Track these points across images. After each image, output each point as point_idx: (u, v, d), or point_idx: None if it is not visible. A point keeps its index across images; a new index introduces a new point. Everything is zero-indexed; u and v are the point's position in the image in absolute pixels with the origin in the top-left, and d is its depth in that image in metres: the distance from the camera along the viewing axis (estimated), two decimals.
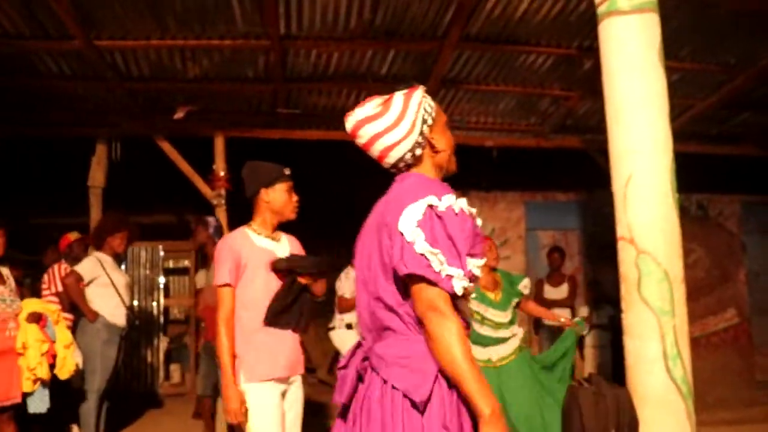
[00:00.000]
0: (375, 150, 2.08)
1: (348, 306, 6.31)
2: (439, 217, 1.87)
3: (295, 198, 3.40)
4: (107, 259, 5.74)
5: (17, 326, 5.00)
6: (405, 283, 1.90)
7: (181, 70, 6.06)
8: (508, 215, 8.68)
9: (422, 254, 1.83)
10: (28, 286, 5.97)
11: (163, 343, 9.53)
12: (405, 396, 1.85)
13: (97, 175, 7.14)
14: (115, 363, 5.73)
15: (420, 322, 1.89)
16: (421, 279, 1.83)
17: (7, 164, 7.46)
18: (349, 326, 6.38)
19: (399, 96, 2.09)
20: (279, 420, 3.13)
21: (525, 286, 5.19)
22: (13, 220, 5.41)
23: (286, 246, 3.41)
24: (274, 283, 3.25)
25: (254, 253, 3.25)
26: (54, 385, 5.24)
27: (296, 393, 3.32)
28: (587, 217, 9.17)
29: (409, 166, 2.09)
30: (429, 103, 2.11)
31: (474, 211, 2.00)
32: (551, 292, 7.62)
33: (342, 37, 5.59)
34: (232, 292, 3.19)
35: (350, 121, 2.12)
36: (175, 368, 9.53)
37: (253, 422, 3.07)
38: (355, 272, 2.13)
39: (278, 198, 3.33)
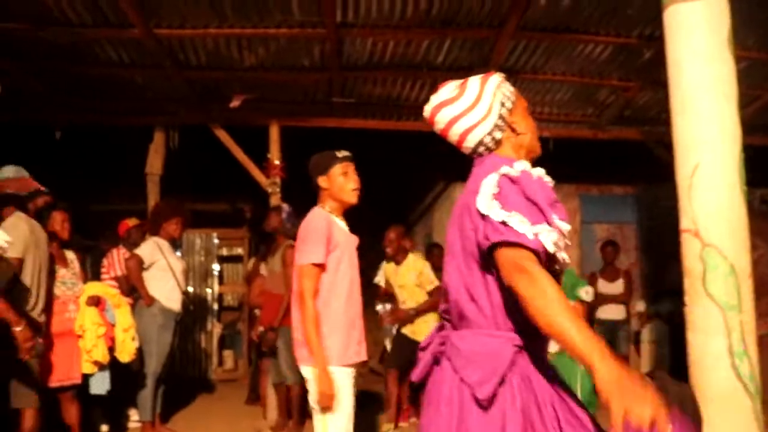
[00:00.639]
0: (453, 134, 2.06)
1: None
2: (515, 182, 1.82)
3: (353, 179, 3.33)
4: (165, 244, 5.84)
5: (77, 309, 5.13)
6: (489, 270, 1.85)
7: (237, 59, 6.10)
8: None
9: (501, 221, 1.75)
10: (88, 271, 6.09)
11: (216, 329, 9.69)
12: (471, 390, 1.83)
13: (154, 163, 7.25)
14: (171, 347, 5.83)
15: (501, 316, 1.85)
16: (503, 245, 1.74)
17: (68, 151, 7.62)
18: None
19: (475, 80, 2.07)
20: (351, 402, 3.13)
21: (587, 292, 5.08)
22: (74, 206, 5.53)
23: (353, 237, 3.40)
24: (354, 265, 3.29)
25: (342, 235, 3.25)
26: (114, 367, 5.36)
27: (356, 380, 3.29)
28: (644, 211, 8.99)
29: (489, 151, 2.05)
30: (507, 87, 2.08)
31: (552, 182, 1.93)
32: (606, 287, 7.48)
33: (398, 26, 5.55)
34: (320, 272, 3.14)
35: (428, 107, 2.11)
36: (228, 354, 9.68)
37: (336, 407, 3.05)
38: (445, 261, 2.09)
39: (334, 183, 3.29)
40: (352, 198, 3.33)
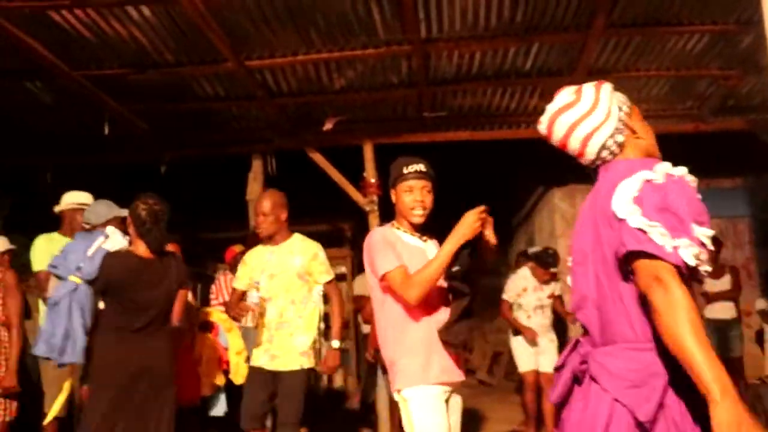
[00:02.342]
0: (574, 141, 1.99)
1: None
2: (657, 189, 1.74)
3: (416, 198, 3.04)
4: None
5: (194, 335, 5.34)
6: (632, 280, 1.76)
7: (327, 83, 6.23)
8: None
9: (639, 229, 1.69)
10: (198, 298, 6.33)
11: (324, 348, 9.80)
12: (627, 411, 1.74)
13: (254, 189, 7.47)
14: None
15: (649, 328, 1.76)
16: (642, 255, 1.68)
17: (174, 185, 7.97)
18: None
19: (589, 85, 2.02)
20: (446, 426, 2.91)
21: None
22: (183, 235, 5.76)
23: (433, 249, 3.10)
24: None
25: (406, 249, 3.00)
26: (230, 390, 5.54)
27: (456, 398, 3.06)
28: (757, 203, 8.56)
29: (613, 156, 1.97)
30: (620, 94, 2.02)
31: (695, 181, 1.84)
32: (711, 285, 7.13)
33: (483, 36, 5.53)
34: (406, 270, 2.87)
35: (545, 117, 2.05)
36: (337, 372, 9.77)
37: (420, 428, 2.85)
38: (572, 274, 2.02)
39: (399, 199, 3.08)
40: (413, 218, 3.06)
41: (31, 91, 6.18)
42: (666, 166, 1.80)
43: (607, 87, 2.01)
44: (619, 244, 1.74)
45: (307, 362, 4.33)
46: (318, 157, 7.34)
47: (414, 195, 3.04)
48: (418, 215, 3.05)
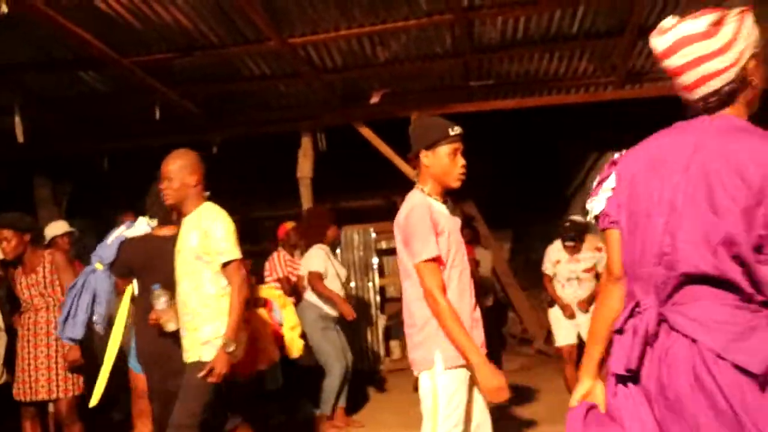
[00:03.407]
0: (691, 75, 1.81)
1: None
2: None
3: (460, 163, 2.93)
4: (329, 250, 6.12)
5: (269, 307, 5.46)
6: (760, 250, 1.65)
7: (371, 56, 6.22)
8: None
9: None
10: (252, 274, 6.44)
11: (381, 321, 9.90)
12: (737, 368, 1.63)
13: (304, 167, 7.54)
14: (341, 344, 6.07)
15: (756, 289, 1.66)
16: None
17: (227, 164, 8.10)
18: None
19: (732, 18, 1.79)
20: (465, 406, 2.83)
21: None
22: (237, 214, 5.87)
23: (456, 218, 3.06)
24: (461, 250, 2.95)
25: (448, 222, 2.91)
26: (285, 364, 5.65)
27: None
28: None
29: (720, 103, 1.82)
30: (756, 32, 1.81)
31: None
32: None
33: (527, 1, 5.43)
34: (439, 265, 2.80)
35: (669, 35, 1.84)
36: (395, 345, 9.86)
37: (448, 411, 2.78)
38: (635, 226, 1.88)
39: (438, 162, 2.91)
40: (457, 183, 2.95)
41: (84, 80, 6.35)
42: None
43: (749, 21, 1.80)
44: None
45: (208, 353, 3.52)
46: (366, 131, 7.36)
47: (459, 158, 2.92)
48: (461, 179, 2.95)
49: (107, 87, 6.51)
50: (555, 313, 6.20)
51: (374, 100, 6.85)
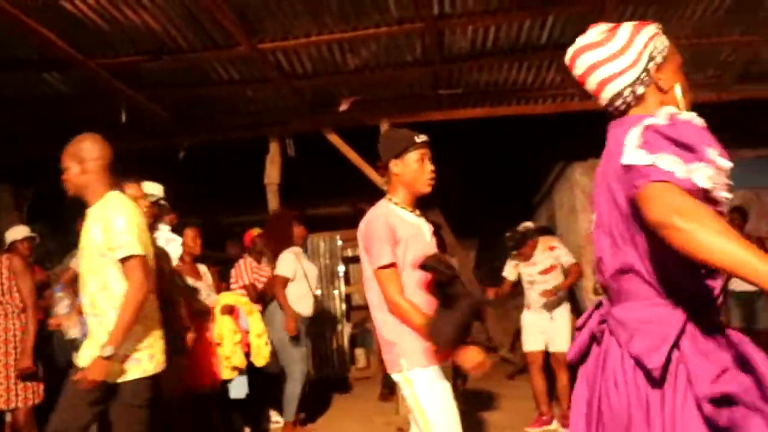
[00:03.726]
0: (591, 82, 1.92)
1: None
2: (660, 131, 1.65)
3: (428, 168, 3.05)
4: (299, 252, 6.10)
5: (213, 318, 5.39)
6: (648, 234, 1.68)
7: (341, 63, 6.20)
8: None
9: (647, 165, 1.60)
10: (221, 281, 6.39)
11: (347, 329, 9.89)
12: (638, 364, 1.70)
13: (272, 173, 7.49)
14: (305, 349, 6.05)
15: (667, 283, 1.71)
16: (652, 188, 1.57)
17: (194, 169, 8.01)
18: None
19: (627, 26, 1.91)
20: (453, 401, 2.91)
21: None
22: (203, 220, 5.81)
23: (425, 225, 3.14)
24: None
25: (407, 228, 3.00)
26: (251, 372, 5.60)
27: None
28: None
29: (627, 106, 1.89)
30: (662, 40, 1.90)
31: (703, 123, 1.70)
32: None
33: (497, 10, 5.45)
34: (396, 271, 2.91)
35: (570, 49, 1.98)
36: (360, 353, 9.85)
37: (430, 408, 2.84)
38: (594, 233, 1.96)
39: (408, 170, 3.03)
40: (427, 188, 3.07)
41: (48, 82, 6.23)
42: (670, 109, 1.71)
43: (648, 30, 1.89)
44: (630, 189, 1.67)
45: (136, 370, 3.26)
46: (335, 138, 7.33)
47: (427, 164, 3.05)
48: (430, 184, 3.06)
49: (72, 89, 6.38)
50: (526, 319, 6.24)
51: (343, 107, 6.83)
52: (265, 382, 5.87)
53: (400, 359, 2.89)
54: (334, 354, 9.71)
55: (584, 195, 8.58)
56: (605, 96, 1.90)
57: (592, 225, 1.98)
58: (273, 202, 7.49)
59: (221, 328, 5.33)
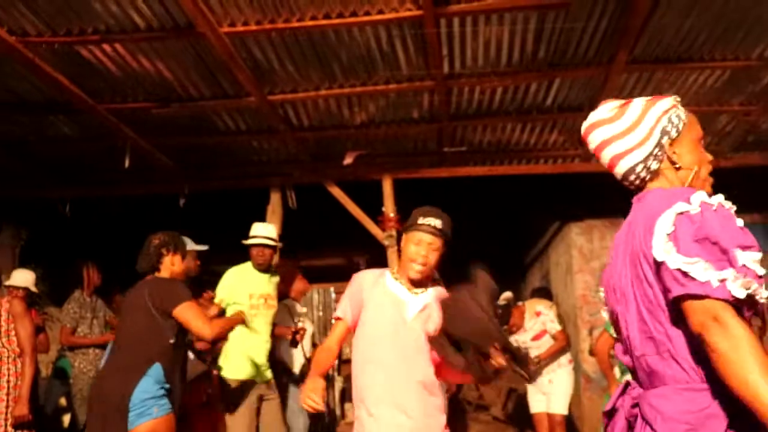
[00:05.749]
0: (604, 157, 1.93)
1: None
2: (692, 220, 1.62)
3: (420, 254, 2.91)
4: (295, 306, 6.04)
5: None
6: (680, 320, 1.64)
7: (348, 117, 6.24)
8: None
9: (679, 269, 1.58)
10: None
11: (338, 382, 9.75)
12: None
13: (272, 222, 7.44)
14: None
15: (703, 367, 1.64)
16: (689, 297, 1.57)
17: (194, 217, 7.97)
18: None
19: (639, 101, 1.91)
20: None
21: None
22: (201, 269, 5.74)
23: (418, 303, 2.96)
24: (383, 330, 2.92)
25: (381, 297, 2.97)
26: None
27: None
28: None
29: (643, 182, 1.88)
30: (678, 113, 1.87)
31: (733, 207, 1.70)
32: None
33: (505, 72, 5.54)
34: (345, 326, 3.03)
35: (584, 124, 1.99)
36: (349, 407, 9.68)
37: None
38: (608, 311, 1.94)
39: (405, 247, 2.98)
40: (410, 270, 2.94)
41: (53, 124, 6.22)
42: (701, 195, 1.67)
43: (662, 104, 1.88)
44: (664, 289, 1.64)
45: None
46: (336, 191, 7.33)
47: (419, 248, 2.92)
48: (416, 270, 2.93)
49: (76, 131, 6.37)
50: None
51: (348, 161, 6.85)
52: None
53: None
54: (325, 408, 9.55)
55: (581, 255, 8.57)
56: (618, 171, 1.90)
57: (606, 296, 1.94)
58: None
59: None
